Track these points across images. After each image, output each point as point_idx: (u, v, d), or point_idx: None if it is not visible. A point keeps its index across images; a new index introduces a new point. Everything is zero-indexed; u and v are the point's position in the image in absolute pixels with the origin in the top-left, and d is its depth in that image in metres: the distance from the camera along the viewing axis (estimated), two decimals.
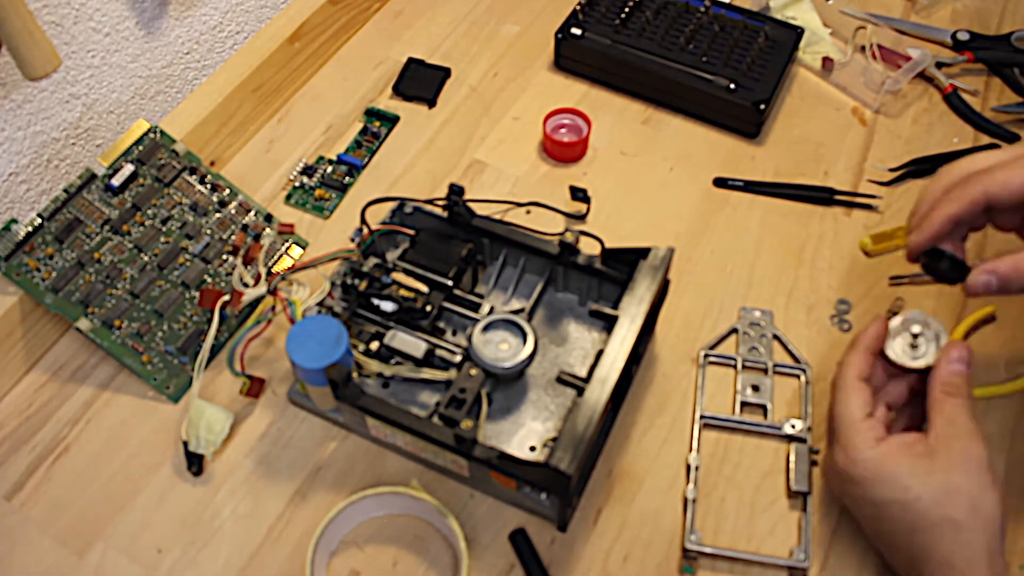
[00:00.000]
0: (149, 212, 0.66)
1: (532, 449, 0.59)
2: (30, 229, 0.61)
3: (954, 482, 0.47)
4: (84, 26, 0.68)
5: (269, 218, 0.71)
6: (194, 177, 0.69)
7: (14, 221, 0.60)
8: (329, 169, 0.76)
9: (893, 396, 0.56)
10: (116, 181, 0.65)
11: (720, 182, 0.75)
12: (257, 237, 0.69)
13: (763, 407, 0.62)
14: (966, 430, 0.49)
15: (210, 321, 0.62)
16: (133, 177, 0.66)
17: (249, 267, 0.66)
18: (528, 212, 0.73)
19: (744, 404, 0.62)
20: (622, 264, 0.61)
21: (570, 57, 0.83)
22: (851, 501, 0.53)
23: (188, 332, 0.65)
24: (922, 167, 0.75)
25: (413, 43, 0.87)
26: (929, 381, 0.53)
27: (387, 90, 0.83)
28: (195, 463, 0.60)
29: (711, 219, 0.73)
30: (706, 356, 0.64)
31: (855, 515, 0.54)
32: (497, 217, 0.69)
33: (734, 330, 0.66)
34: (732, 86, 0.76)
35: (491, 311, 0.61)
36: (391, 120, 0.80)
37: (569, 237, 0.61)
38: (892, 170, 0.75)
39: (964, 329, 0.65)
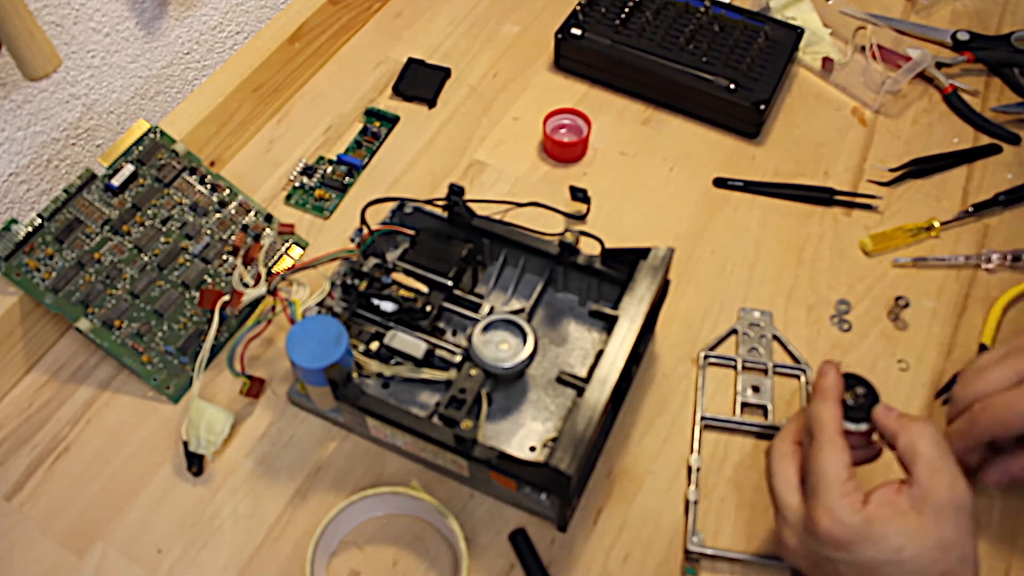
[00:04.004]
0: (149, 212, 0.66)
1: (532, 449, 0.59)
2: (30, 229, 0.61)
3: (947, 537, 0.46)
4: (84, 26, 0.68)
5: (269, 218, 0.71)
6: (194, 177, 0.69)
7: (14, 221, 0.60)
8: (329, 169, 0.76)
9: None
10: (116, 181, 0.65)
11: (720, 182, 0.75)
12: (257, 237, 0.69)
13: (763, 408, 0.62)
14: (950, 476, 0.47)
15: (210, 321, 0.62)
16: (133, 177, 0.66)
17: (249, 267, 0.66)
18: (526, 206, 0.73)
19: (744, 405, 0.62)
20: (622, 264, 0.61)
21: (570, 57, 0.83)
22: (831, 566, 0.48)
23: (188, 332, 0.65)
24: (922, 167, 0.75)
25: (413, 43, 0.87)
26: (898, 429, 0.49)
27: (387, 90, 0.83)
28: (195, 463, 0.60)
29: (711, 219, 0.73)
30: (706, 357, 0.64)
31: None
32: (497, 217, 0.69)
33: (734, 331, 0.66)
34: (732, 86, 0.76)
35: (491, 311, 0.61)
36: (391, 120, 0.80)
37: (569, 237, 0.61)
38: (892, 170, 0.75)
39: (1008, 299, 0.66)
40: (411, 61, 0.84)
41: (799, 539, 0.49)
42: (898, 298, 0.67)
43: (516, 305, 0.65)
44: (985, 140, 0.77)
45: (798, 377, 0.64)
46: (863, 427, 0.50)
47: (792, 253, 0.71)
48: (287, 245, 0.71)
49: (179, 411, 0.63)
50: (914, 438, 0.48)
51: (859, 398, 0.51)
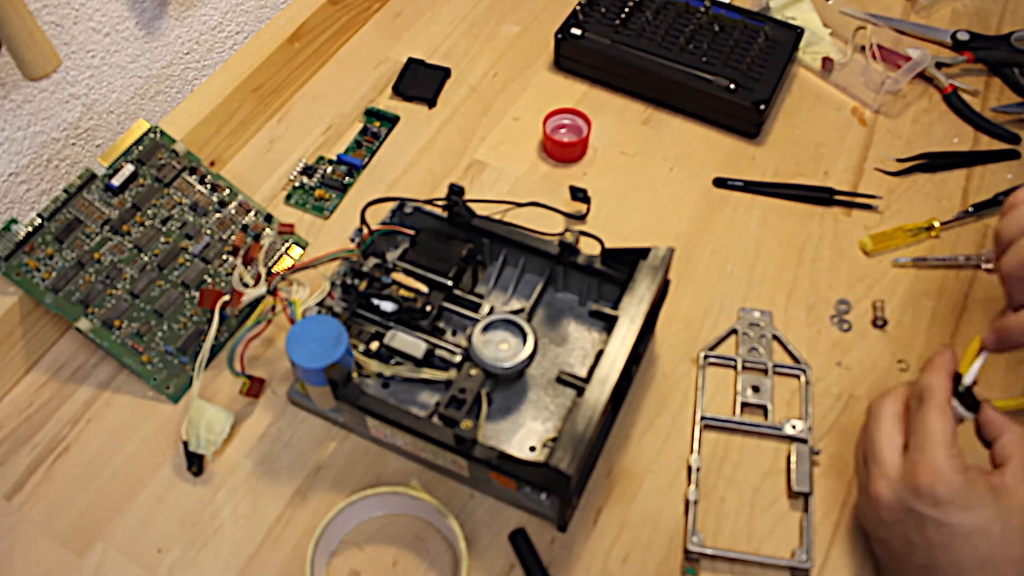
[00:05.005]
0: (149, 212, 0.66)
1: (532, 449, 0.59)
2: (30, 229, 0.61)
3: None
4: (84, 26, 0.68)
5: (269, 218, 0.71)
6: (194, 177, 0.69)
7: (14, 221, 0.60)
8: (329, 169, 0.76)
9: None
10: (116, 181, 0.65)
11: (720, 182, 0.75)
12: (257, 237, 0.69)
13: (763, 408, 0.62)
14: None
15: (210, 321, 0.62)
16: (133, 177, 0.66)
17: (249, 267, 0.66)
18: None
19: (744, 405, 0.62)
20: (622, 264, 0.61)
21: (570, 57, 0.83)
22: (915, 523, 0.48)
23: (188, 332, 0.65)
24: (932, 162, 0.75)
25: (413, 43, 0.87)
26: (1005, 425, 0.51)
27: (387, 90, 0.83)
28: (195, 463, 0.60)
29: (711, 219, 0.73)
30: (706, 357, 0.64)
31: (899, 540, 0.50)
32: (497, 217, 0.69)
33: (734, 331, 0.66)
34: (732, 86, 0.76)
35: (491, 311, 0.61)
36: (391, 120, 0.80)
37: (569, 237, 0.61)
38: (900, 161, 0.75)
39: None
40: (411, 61, 0.84)
41: (894, 493, 0.49)
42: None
43: (516, 305, 0.65)
44: (985, 140, 0.78)
45: (798, 377, 0.64)
46: (967, 414, 0.52)
47: (792, 253, 0.71)
48: (287, 245, 0.71)
49: (179, 411, 0.63)
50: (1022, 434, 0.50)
51: (968, 388, 0.53)
